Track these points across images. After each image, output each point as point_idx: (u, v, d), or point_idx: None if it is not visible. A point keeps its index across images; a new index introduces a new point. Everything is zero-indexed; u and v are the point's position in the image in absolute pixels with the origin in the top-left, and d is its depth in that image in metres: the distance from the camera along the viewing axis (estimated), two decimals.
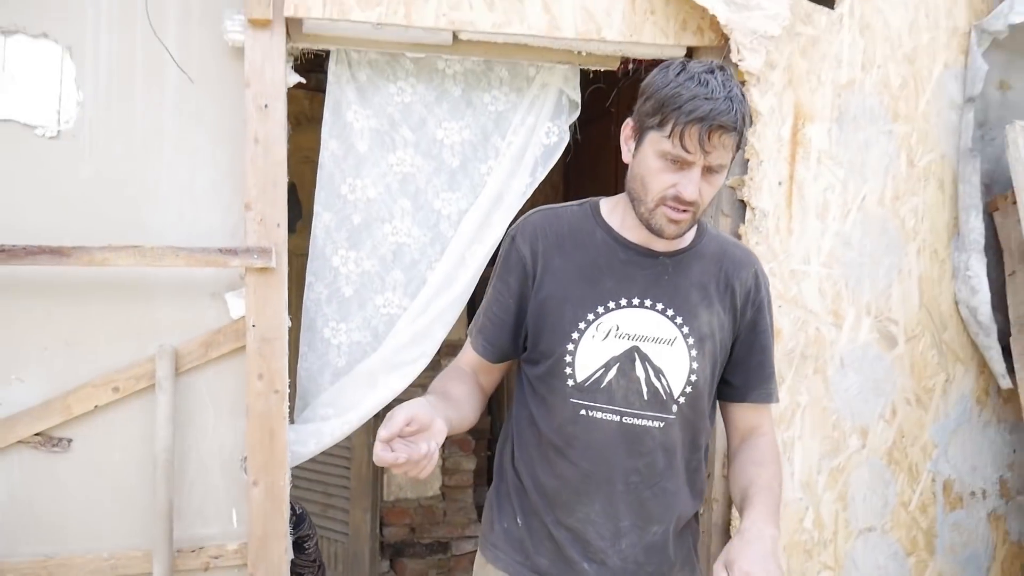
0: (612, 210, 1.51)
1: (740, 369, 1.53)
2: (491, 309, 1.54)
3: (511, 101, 2.11)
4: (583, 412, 1.45)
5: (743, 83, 1.97)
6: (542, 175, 2.12)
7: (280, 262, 1.83)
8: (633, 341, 1.45)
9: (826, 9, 2.00)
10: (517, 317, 1.51)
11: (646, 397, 1.45)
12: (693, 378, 1.46)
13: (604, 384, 1.44)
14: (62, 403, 1.80)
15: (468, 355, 1.59)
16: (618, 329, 1.44)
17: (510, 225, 1.71)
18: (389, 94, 2.03)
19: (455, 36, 1.92)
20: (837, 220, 2.07)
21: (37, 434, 1.81)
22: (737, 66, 1.92)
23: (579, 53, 2.04)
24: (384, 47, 1.94)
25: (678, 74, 1.33)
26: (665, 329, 1.45)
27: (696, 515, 1.60)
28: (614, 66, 2.10)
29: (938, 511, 2.26)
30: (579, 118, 2.14)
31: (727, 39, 1.94)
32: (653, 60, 2.05)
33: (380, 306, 2.06)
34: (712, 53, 1.99)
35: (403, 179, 2.05)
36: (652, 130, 1.34)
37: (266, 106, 1.81)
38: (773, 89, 1.98)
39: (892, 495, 2.19)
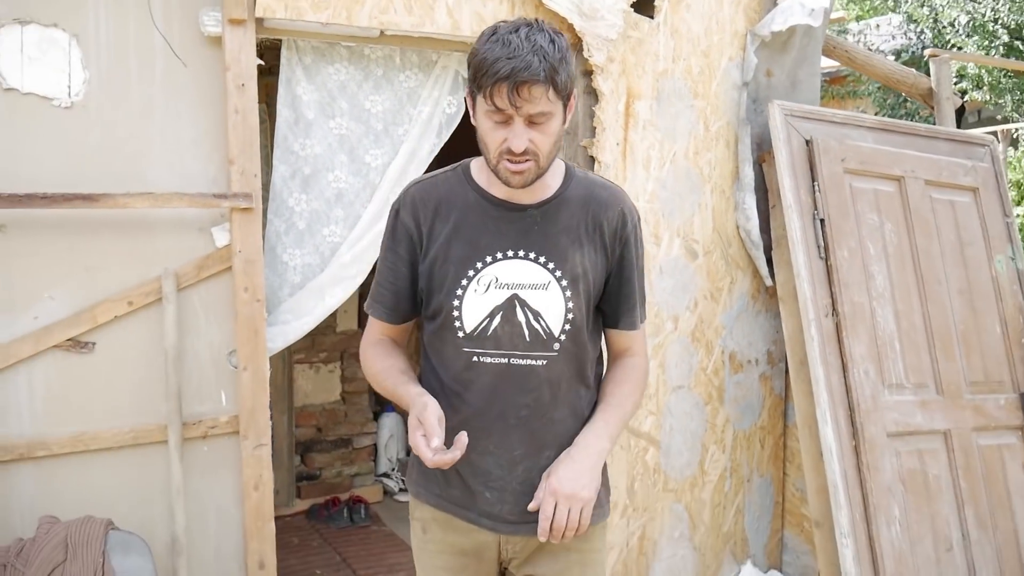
0: (480, 170, 1.62)
1: (611, 299, 1.66)
2: (386, 279, 1.64)
3: (420, 79, 2.77)
4: (475, 359, 1.57)
5: (590, 73, 2.73)
6: (446, 136, 2.80)
7: (257, 203, 2.43)
8: (512, 290, 1.56)
9: (648, 18, 2.78)
10: (411, 282, 1.63)
11: (528, 339, 1.56)
12: (570, 316, 1.58)
13: (490, 332, 1.56)
14: (89, 314, 2.34)
15: (375, 327, 1.70)
16: (497, 280, 1.56)
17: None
18: (328, 74, 2.64)
19: (382, 32, 2.55)
20: (656, 169, 2.90)
21: (68, 340, 2.34)
22: (587, 59, 2.67)
23: (469, 43, 2.71)
24: (328, 39, 2.54)
25: (487, 39, 1.42)
26: (539, 275, 1.57)
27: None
28: None
29: (726, 374, 3.20)
30: None
31: (580, 40, 2.69)
32: None
33: (326, 236, 2.69)
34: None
35: (340, 139, 2.68)
36: (477, 94, 1.45)
37: (243, 85, 2.38)
38: (612, 77, 2.75)
39: (695, 363, 3.10)
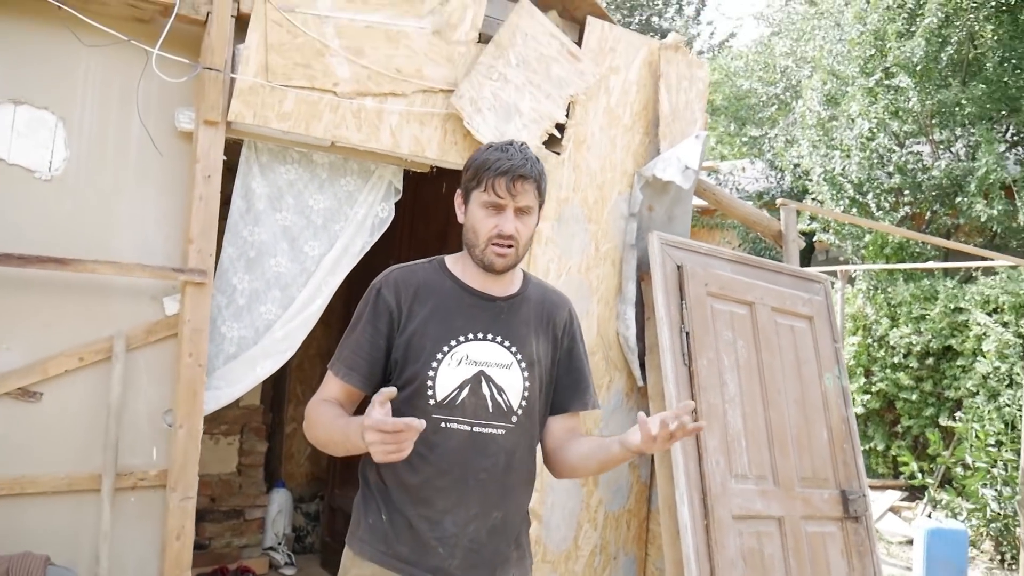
0: (455, 264, 1.87)
1: (563, 385, 1.92)
2: (363, 348, 1.80)
3: (358, 184, 3.21)
4: (443, 424, 1.75)
5: None
6: (376, 237, 3.22)
7: (210, 279, 2.75)
8: (479, 367, 1.79)
9: (555, 154, 3.35)
10: (386, 353, 1.81)
11: (491, 410, 1.78)
12: (527, 393, 1.82)
13: (459, 401, 1.77)
14: (41, 367, 2.56)
15: (334, 389, 1.84)
16: (467, 357, 1.78)
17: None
18: (280, 172, 3.04)
19: (333, 143, 2.99)
20: (554, 279, 3.41)
21: (19, 388, 2.55)
22: None
23: (406, 160, 3.19)
24: (286, 144, 2.96)
25: (487, 150, 1.79)
26: (503, 356, 1.81)
27: (527, 505, 1.93)
28: (426, 169, 3.28)
29: None
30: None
31: None
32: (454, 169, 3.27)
33: (262, 313, 3.03)
34: None
35: (284, 229, 3.06)
36: (474, 190, 1.76)
37: (209, 176, 2.74)
38: None
39: None
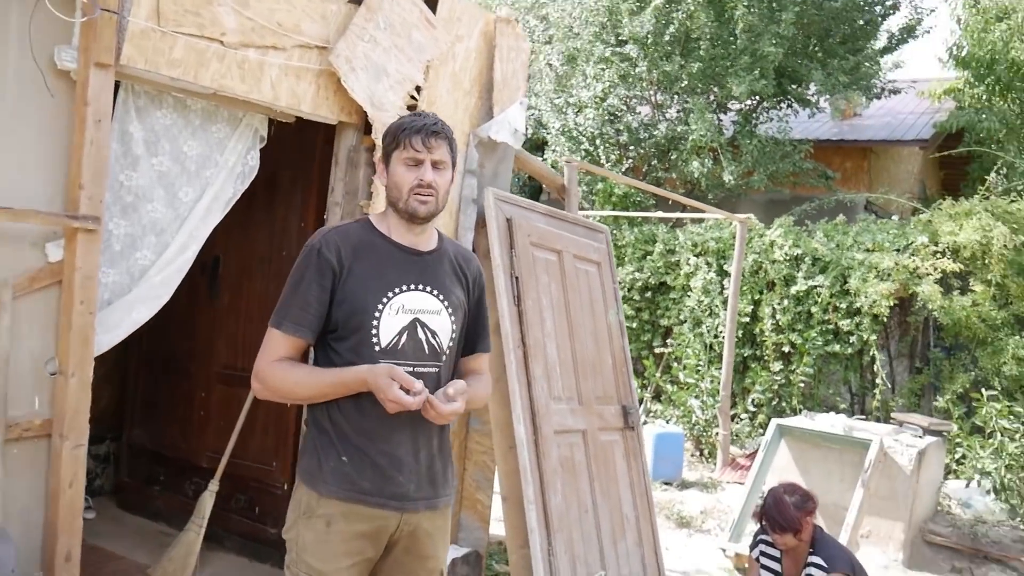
0: (380, 222, 2.11)
1: (471, 330, 2.23)
2: (309, 305, 2.00)
3: (227, 132, 3.25)
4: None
5: (371, 149, 3.48)
6: (245, 186, 3.30)
7: (101, 226, 2.71)
8: (414, 314, 2.05)
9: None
10: (328, 307, 2.02)
11: (427, 352, 2.06)
12: (453, 335, 2.11)
13: (400, 346, 2.03)
14: None
15: (280, 348, 2.02)
16: (404, 307, 2.03)
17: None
18: (156, 117, 3.00)
19: (216, 92, 3.01)
20: None
21: None
22: (374, 139, 3.42)
23: (275, 111, 3.28)
24: (173, 91, 2.93)
25: (400, 120, 2.09)
26: (433, 304, 2.08)
27: (449, 429, 2.21)
28: (291, 120, 3.41)
29: None
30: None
31: (363, 119, 3.43)
32: (325, 123, 3.43)
33: (138, 259, 3.01)
34: (352, 127, 3.46)
35: (160, 175, 3.04)
36: (393, 151, 2.04)
37: (99, 121, 2.68)
38: None
39: None
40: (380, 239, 2.09)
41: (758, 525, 3.48)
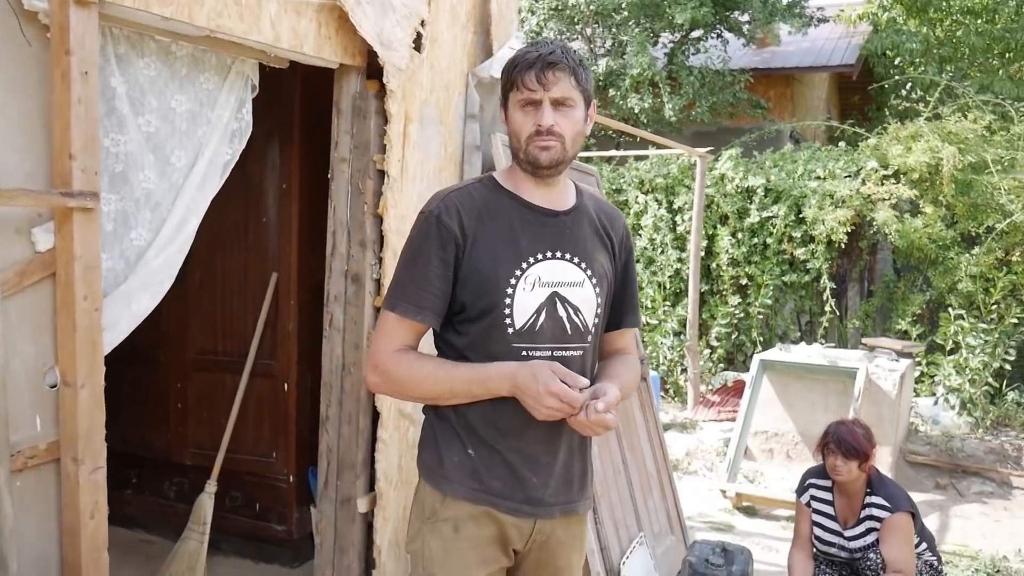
0: (506, 179, 1.78)
1: (617, 301, 1.87)
2: (431, 283, 1.68)
3: (216, 83, 2.75)
4: (524, 352, 1.69)
5: (380, 95, 3.04)
6: (240, 148, 2.82)
7: (99, 204, 2.22)
8: (553, 287, 1.71)
9: (418, 53, 3.21)
10: (452, 285, 1.71)
11: (569, 332, 1.73)
12: (599, 311, 1.78)
13: (538, 327, 1.70)
14: None
15: (400, 334, 1.72)
16: (540, 279, 1.70)
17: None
18: (139, 67, 2.49)
19: (211, 33, 2.52)
20: (418, 183, 3.33)
21: None
22: (384, 84, 2.99)
23: (274, 54, 2.81)
24: (166, 34, 2.42)
25: (516, 52, 1.71)
26: (574, 274, 1.74)
27: None
28: (285, 65, 2.93)
29: None
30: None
31: (366, 62, 2.99)
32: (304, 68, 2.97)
33: (133, 239, 2.52)
34: (354, 70, 3.02)
35: (148, 137, 2.54)
36: (510, 93, 1.70)
37: (86, 73, 2.16)
38: (397, 101, 3.10)
39: None
40: (508, 199, 1.76)
41: (820, 459, 3.36)
